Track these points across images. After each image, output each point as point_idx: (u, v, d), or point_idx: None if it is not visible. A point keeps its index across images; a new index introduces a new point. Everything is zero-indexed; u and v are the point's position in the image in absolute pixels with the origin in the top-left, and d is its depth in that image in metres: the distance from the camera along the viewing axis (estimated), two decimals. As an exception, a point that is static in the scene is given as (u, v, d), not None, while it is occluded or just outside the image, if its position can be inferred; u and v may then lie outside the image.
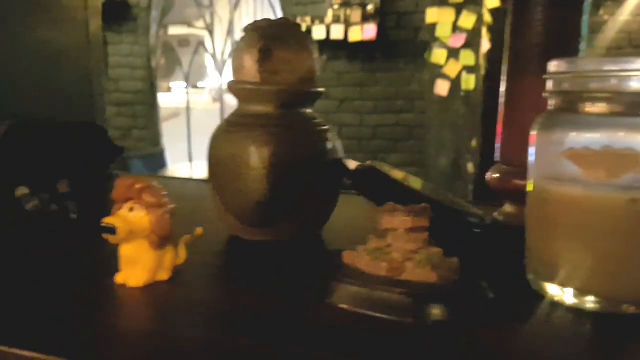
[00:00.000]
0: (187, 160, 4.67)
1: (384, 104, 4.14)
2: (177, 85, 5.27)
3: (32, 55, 0.79)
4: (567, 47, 0.53)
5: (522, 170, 0.54)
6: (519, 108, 0.55)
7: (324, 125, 0.59)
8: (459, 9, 3.75)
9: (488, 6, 3.69)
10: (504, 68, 0.57)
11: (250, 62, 0.55)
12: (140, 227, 0.44)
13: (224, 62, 4.67)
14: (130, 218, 0.44)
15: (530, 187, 0.44)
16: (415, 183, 0.57)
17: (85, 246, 0.55)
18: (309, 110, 0.59)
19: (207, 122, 4.92)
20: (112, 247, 0.45)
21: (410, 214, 0.42)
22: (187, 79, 4.69)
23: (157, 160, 4.29)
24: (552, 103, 0.44)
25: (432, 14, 3.81)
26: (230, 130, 0.56)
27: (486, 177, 0.57)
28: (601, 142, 0.39)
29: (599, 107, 0.40)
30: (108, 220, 0.43)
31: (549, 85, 0.43)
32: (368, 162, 0.58)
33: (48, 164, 0.55)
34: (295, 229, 0.58)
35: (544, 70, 0.52)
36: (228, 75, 5.10)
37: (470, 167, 3.86)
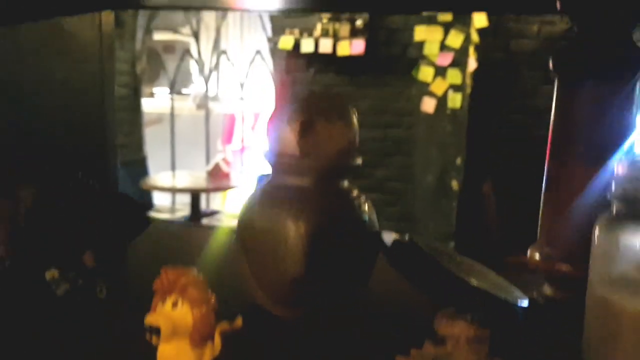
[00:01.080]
0: (169, 168, 4.59)
1: (371, 119, 4.15)
2: (161, 91, 5.19)
3: (46, 90, 0.75)
4: (617, 126, 0.52)
5: (565, 254, 0.53)
6: (563, 190, 0.54)
7: (361, 197, 0.57)
8: (447, 28, 3.78)
9: (476, 26, 3.73)
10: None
11: (289, 134, 0.53)
12: (184, 324, 0.42)
13: (210, 71, 4.62)
14: (174, 316, 0.41)
15: (589, 291, 0.43)
16: (453, 260, 0.56)
17: (116, 333, 0.52)
18: (346, 182, 0.57)
19: (191, 129, 4.86)
20: (143, 335, 0.42)
21: (472, 322, 0.40)
22: (172, 86, 4.62)
23: (139, 168, 4.21)
24: (617, 206, 0.42)
25: (421, 32, 3.84)
26: (265, 203, 0.54)
27: (528, 255, 0.56)
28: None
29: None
30: (151, 320, 0.40)
31: (614, 188, 0.42)
32: (407, 236, 0.56)
33: (73, 235, 0.53)
34: (327, 305, 0.55)
35: (591, 151, 0.51)
36: (213, 84, 5.05)
37: (455, 184, 3.89)
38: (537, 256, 0.55)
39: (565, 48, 0.53)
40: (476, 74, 3.78)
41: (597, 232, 0.42)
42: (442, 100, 3.82)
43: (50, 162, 0.62)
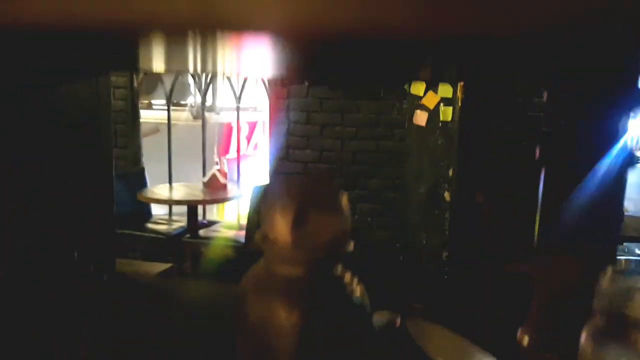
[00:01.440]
0: (166, 179, 4.58)
1: (364, 131, 4.18)
2: (158, 103, 5.19)
3: (43, 155, 0.76)
4: (606, 220, 0.53)
5: (552, 343, 0.55)
6: (551, 282, 0.55)
7: (354, 280, 0.58)
8: (439, 41, 3.79)
9: (468, 39, 3.75)
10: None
11: (282, 224, 0.55)
12: None
13: (206, 83, 4.62)
14: None
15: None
16: (448, 343, 0.57)
17: None
18: (339, 268, 0.58)
19: (189, 139, 4.84)
20: None
21: None
22: (169, 98, 4.62)
23: (137, 180, 4.21)
24: (602, 320, 0.43)
25: (413, 46, 3.85)
26: (258, 291, 0.56)
27: (517, 336, 0.58)
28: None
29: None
30: None
31: (598, 300, 0.43)
32: (399, 319, 0.57)
33: (69, 326, 0.53)
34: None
35: (579, 245, 0.52)
36: (210, 95, 5.04)
37: (447, 195, 3.91)
38: (525, 340, 0.57)
39: (552, 141, 0.55)
40: (467, 87, 3.79)
41: (583, 340, 0.43)
42: (433, 113, 3.84)
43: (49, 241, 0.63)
